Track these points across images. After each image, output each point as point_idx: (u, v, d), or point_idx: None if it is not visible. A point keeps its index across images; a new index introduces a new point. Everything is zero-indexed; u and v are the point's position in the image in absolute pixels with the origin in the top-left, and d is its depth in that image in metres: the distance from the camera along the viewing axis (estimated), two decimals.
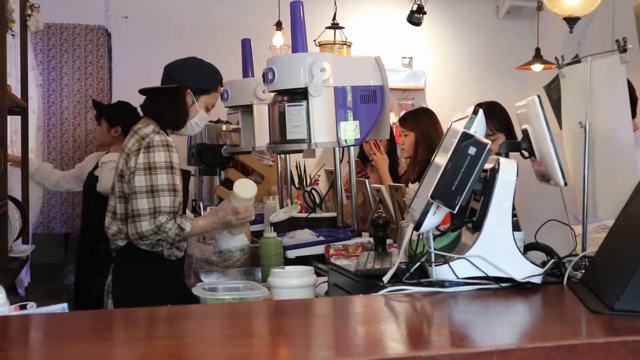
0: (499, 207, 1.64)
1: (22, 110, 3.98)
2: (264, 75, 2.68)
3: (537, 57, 5.72)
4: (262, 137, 3.34)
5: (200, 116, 2.88)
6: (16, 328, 1.42)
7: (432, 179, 1.63)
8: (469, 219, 1.70)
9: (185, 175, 2.88)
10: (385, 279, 1.69)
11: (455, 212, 1.58)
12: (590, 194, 1.87)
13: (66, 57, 5.63)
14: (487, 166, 1.66)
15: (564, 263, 1.72)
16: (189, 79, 2.84)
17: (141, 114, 2.93)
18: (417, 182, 3.11)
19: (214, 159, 4.58)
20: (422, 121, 4.24)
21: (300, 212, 3.36)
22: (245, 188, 2.76)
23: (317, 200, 3.41)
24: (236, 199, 2.74)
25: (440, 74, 6.52)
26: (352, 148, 2.88)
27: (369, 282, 1.79)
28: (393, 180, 4.05)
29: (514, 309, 1.56)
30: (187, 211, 3.04)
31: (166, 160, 2.66)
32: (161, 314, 1.53)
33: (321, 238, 2.84)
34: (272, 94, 2.77)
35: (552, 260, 1.72)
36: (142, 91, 2.88)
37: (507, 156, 1.74)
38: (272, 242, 2.66)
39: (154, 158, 2.64)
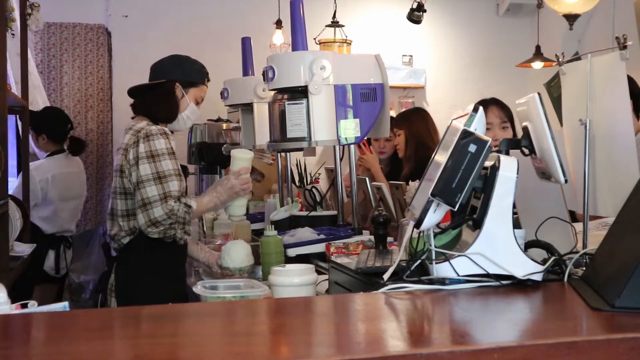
0: (500, 205, 1.64)
1: (22, 109, 3.99)
2: (264, 74, 2.68)
3: (538, 54, 5.71)
4: (262, 135, 3.34)
5: (191, 109, 2.92)
6: (17, 327, 1.42)
7: (432, 176, 1.63)
8: (469, 216, 1.70)
9: (183, 171, 2.89)
10: (386, 276, 1.69)
11: (455, 209, 1.58)
12: (590, 191, 1.87)
13: (66, 56, 5.63)
14: (488, 164, 1.66)
15: (564, 260, 1.72)
16: (176, 72, 2.91)
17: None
18: (417, 180, 3.12)
19: (215, 158, 4.58)
20: (411, 120, 4.31)
21: (301, 210, 3.36)
22: (242, 151, 2.90)
23: (318, 199, 3.41)
24: (235, 161, 2.82)
25: (441, 71, 6.52)
26: (352, 146, 2.88)
27: (369, 279, 1.79)
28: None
29: (515, 306, 1.56)
30: None
31: (167, 146, 2.70)
32: (162, 312, 1.53)
33: (322, 236, 2.84)
34: (272, 92, 2.77)
35: (553, 258, 1.72)
36: (131, 91, 2.91)
37: (507, 154, 1.74)
38: (273, 240, 2.66)
39: (155, 146, 2.68)
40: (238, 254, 2.70)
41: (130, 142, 2.71)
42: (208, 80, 3.00)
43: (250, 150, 2.96)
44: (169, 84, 2.87)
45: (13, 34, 3.69)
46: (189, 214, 2.68)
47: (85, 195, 5.02)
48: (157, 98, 2.86)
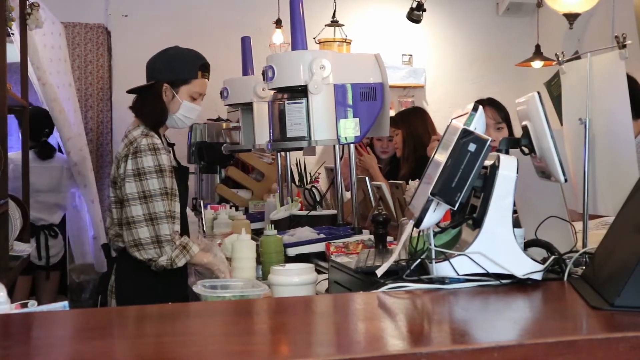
0: (499, 204, 1.64)
1: (22, 108, 3.99)
2: (264, 73, 2.68)
3: (537, 53, 5.71)
4: (262, 135, 3.34)
5: (186, 107, 2.79)
6: (17, 326, 1.42)
7: (432, 176, 1.63)
8: (469, 215, 1.70)
9: (184, 172, 2.87)
10: (379, 272, 1.69)
11: (455, 209, 1.58)
12: (590, 190, 1.87)
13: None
14: (487, 163, 1.66)
15: (564, 259, 1.72)
16: (165, 72, 2.78)
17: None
18: (417, 179, 3.12)
19: (215, 157, 4.58)
20: (409, 120, 4.32)
21: (301, 209, 3.36)
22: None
23: (318, 198, 3.41)
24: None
25: (441, 71, 6.52)
26: (351, 145, 2.88)
27: (369, 279, 1.79)
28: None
29: (515, 305, 1.56)
30: (187, 209, 3.03)
31: (154, 164, 2.61)
32: (162, 312, 1.53)
33: (322, 235, 2.84)
34: (272, 92, 2.77)
35: (553, 257, 1.72)
36: (129, 93, 2.87)
37: (507, 153, 1.74)
38: (273, 239, 2.66)
39: (142, 163, 2.60)
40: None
41: (122, 155, 2.66)
42: (207, 71, 2.84)
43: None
44: (157, 85, 2.77)
45: (12, 34, 3.68)
46: (166, 268, 2.59)
47: (64, 191, 5.05)
48: (146, 102, 2.78)
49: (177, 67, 2.79)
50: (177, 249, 2.60)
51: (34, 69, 4.44)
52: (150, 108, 2.77)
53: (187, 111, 2.81)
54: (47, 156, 4.92)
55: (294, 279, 1.97)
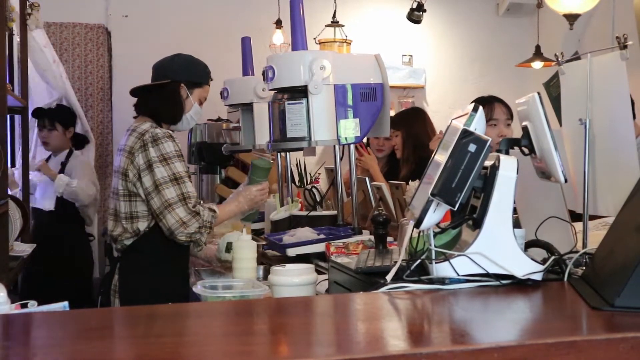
0: (500, 204, 1.64)
1: (22, 109, 3.99)
2: (264, 74, 2.68)
3: (537, 54, 5.71)
4: (262, 135, 3.34)
5: (195, 110, 2.91)
6: (17, 326, 1.42)
7: (432, 176, 1.63)
8: (469, 216, 1.70)
9: None
10: (389, 277, 1.69)
11: (455, 209, 1.58)
12: (590, 191, 1.87)
13: (66, 55, 5.62)
14: (487, 163, 1.66)
15: (564, 260, 1.72)
16: (182, 73, 2.88)
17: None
18: (417, 180, 3.12)
19: (215, 158, 4.57)
20: (408, 120, 4.31)
21: (301, 210, 3.36)
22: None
23: (318, 198, 3.41)
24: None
25: (441, 71, 6.52)
26: (352, 146, 2.88)
27: (369, 279, 1.79)
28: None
29: (515, 305, 1.56)
30: None
31: (175, 149, 2.70)
32: (162, 312, 1.53)
33: (322, 236, 2.84)
34: (272, 92, 2.77)
35: (553, 257, 1.72)
36: (134, 91, 2.89)
37: (507, 153, 1.74)
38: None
39: (165, 149, 2.68)
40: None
41: (137, 146, 2.68)
42: (211, 80, 2.99)
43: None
44: (174, 84, 2.85)
45: (13, 34, 3.69)
46: (214, 218, 2.71)
47: None
48: (162, 99, 2.84)
49: (194, 70, 2.92)
50: (205, 210, 2.71)
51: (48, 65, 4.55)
52: (167, 105, 2.85)
53: (195, 113, 2.92)
54: (83, 145, 4.97)
55: (294, 280, 1.97)
